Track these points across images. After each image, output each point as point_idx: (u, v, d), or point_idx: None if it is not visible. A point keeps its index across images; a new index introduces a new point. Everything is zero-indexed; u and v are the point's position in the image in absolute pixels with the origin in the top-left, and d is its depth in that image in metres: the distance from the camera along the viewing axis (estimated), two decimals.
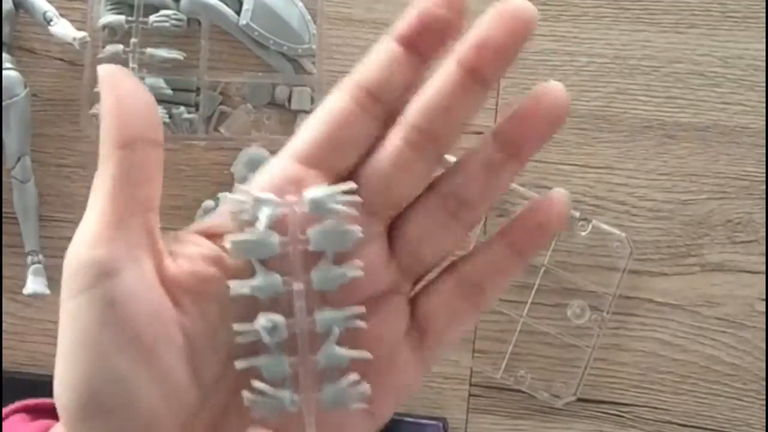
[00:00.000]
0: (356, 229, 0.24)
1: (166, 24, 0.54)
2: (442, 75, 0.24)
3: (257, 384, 0.23)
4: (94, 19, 0.54)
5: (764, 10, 0.54)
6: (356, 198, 0.24)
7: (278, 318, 0.23)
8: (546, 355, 0.54)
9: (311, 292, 0.24)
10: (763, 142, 0.54)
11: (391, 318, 0.25)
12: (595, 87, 0.55)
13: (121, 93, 0.23)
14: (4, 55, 0.54)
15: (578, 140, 0.55)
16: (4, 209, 0.56)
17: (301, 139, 0.25)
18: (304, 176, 0.24)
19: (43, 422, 0.26)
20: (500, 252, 0.26)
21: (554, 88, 0.25)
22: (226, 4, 0.54)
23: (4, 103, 0.54)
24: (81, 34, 0.54)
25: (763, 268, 0.53)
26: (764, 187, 0.54)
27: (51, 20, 0.54)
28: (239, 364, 0.23)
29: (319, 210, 0.23)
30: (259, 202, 0.23)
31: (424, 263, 0.26)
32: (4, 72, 0.54)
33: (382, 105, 0.25)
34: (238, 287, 0.23)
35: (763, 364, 0.53)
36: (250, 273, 0.23)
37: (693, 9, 0.54)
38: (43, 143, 0.56)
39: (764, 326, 0.53)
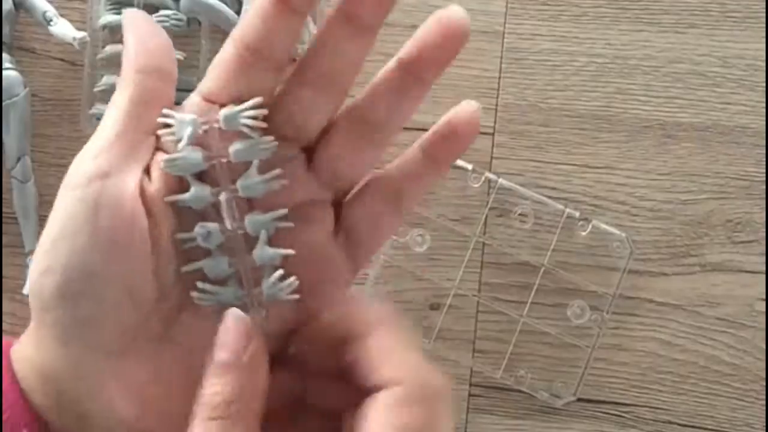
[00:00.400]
0: (270, 139, 0.26)
1: (167, 24, 0.54)
2: (330, 25, 0.26)
3: (200, 284, 0.27)
4: (94, 19, 0.54)
5: (764, 10, 0.54)
6: (263, 111, 0.26)
7: (212, 225, 0.26)
8: (546, 355, 0.54)
9: (240, 200, 0.27)
10: (763, 142, 0.54)
11: (316, 222, 0.28)
12: (595, 87, 0.55)
13: (143, 29, 0.27)
14: (4, 55, 0.54)
15: (578, 140, 0.55)
16: (4, 209, 0.56)
17: (204, 84, 0.27)
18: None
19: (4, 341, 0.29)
20: (417, 161, 0.29)
21: (451, 11, 0.26)
22: (226, 4, 0.54)
23: (4, 103, 0.54)
24: (81, 34, 0.54)
25: (763, 268, 0.53)
26: (764, 187, 0.54)
27: (51, 20, 0.54)
28: (185, 268, 0.27)
29: (232, 125, 0.26)
30: (181, 122, 0.26)
31: (341, 178, 0.28)
32: (4, 72, 0.54)
33: (267, 59, 0.26)
34: (175, 199, 0.26)
35: (763, 364, 0.53)
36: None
37: (693, 9, 0.54)
38: (43, 143, 0.56)
39: (764, 326, 0.53)
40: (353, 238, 0.29)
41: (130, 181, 0.26)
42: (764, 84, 0.54)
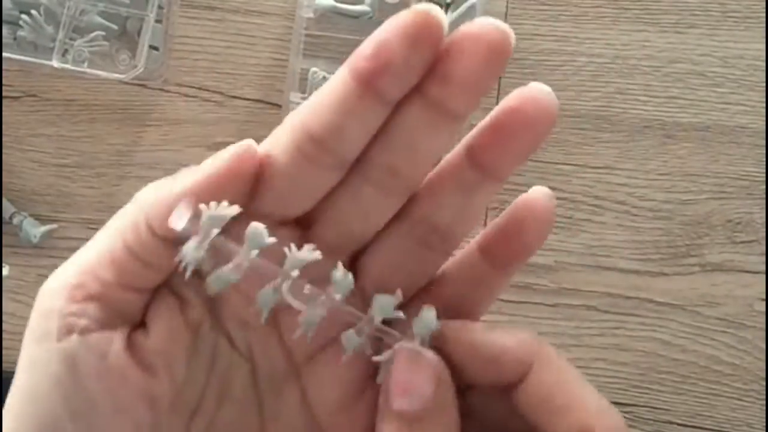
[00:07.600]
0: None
1: None
2: (404, 110, 0.21)
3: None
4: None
5: (764, 10, 0.54)
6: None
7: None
8: None
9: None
10: (763, 142, 0.54)
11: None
12: (595, 87, 0.55)
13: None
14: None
15: (578, 140, 0.55)
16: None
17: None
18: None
19: None
20: (476, 264, 0.23)
21: (538, 91, 0.21)
22: None
23: None
24: None
25: (763, 268, 0.53)
26: (764, 187, 0.54)
27: None
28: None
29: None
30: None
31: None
32: None
33: (335, 155, 0.21)
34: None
35: (763, 364, 0.53)
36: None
37: (693, 9, 0.54)
38: (43, 143, 0.56)
39: (764, 326, 0.53)
40: None
41: (116, 338, 0.21)
42: (764, 84, 0.54)
